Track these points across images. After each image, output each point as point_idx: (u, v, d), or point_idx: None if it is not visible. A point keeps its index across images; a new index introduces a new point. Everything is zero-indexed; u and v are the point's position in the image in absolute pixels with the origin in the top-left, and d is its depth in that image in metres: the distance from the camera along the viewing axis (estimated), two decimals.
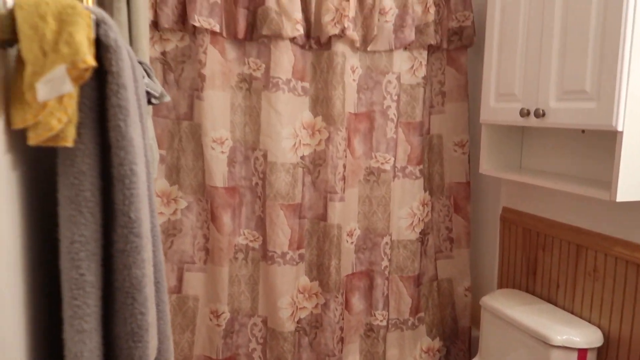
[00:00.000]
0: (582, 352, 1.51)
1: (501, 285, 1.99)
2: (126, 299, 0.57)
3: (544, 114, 1.52)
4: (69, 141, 0.54)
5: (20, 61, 0.52)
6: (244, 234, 1.79)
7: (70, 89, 0.50)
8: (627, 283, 1.48)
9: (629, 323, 1.48)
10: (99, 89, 0.57)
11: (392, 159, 1.90)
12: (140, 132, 0.70)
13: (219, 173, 1.73)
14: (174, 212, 1.73)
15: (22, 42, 0.50)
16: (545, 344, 1.52)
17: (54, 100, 0.52)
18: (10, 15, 0.51)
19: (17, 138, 0.56)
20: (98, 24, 0.54)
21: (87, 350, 0.54)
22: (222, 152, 1.74)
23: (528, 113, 1.57)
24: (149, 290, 0.60)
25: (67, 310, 0.54)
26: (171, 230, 1.73)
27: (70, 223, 0.55)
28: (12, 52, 0.56)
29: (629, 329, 1.48)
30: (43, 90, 0.49)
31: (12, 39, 0.52)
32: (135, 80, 0.75)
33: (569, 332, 1.52)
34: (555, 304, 1.73)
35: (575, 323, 1.58)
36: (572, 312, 1.67)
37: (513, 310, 1.67)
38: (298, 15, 1.70)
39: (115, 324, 0.57)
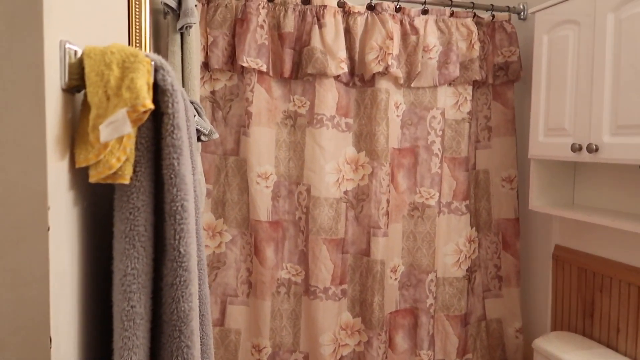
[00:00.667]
0: None
1: (555, 327, 1.89)
2: (173, 332, 0.58)
3: (597, 149, 1.47)
4: (126, 179, 0.57)
5: (86, 105, 0.56)
6: (287, 268, 1.79)
7: (129, 130, 0.53)
8: None
9: None
10: (155, 129, 0.60)
11: (437, 194, 1.88)
12: (190, 169, 0.73)
13: (263, 207, 1.76)
14: (219, 245, 1.76)
15: (89, 88, 0.54)
16: None
17: (114, 141, 0.55)
18: (80, 63, 0.55)
19: (79, 176, 0.60)
20: (157, 69, 0.58)
21: None
22: (267, 186, 1.77)
23: (580, 148, 1.52)
24: (195, 323, 0.61)
25: (118, 341, 0.55)
26: (215, 263, 1.76)
27: (124, 256, 0.57)
28: (79, 97, 0.60)
29: None
30: (105, 131, 0.52)
31: (80, 85, 0.56)
32: (188, 120, 0.78)
33: None
34: (616, 350, 1.62)
35: None
36: (634, 359, 1.56)
37: (569, 354, 1.58)
38: (342, 54, 1.74)
39: (163, 357, 0.59)
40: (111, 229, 0.59)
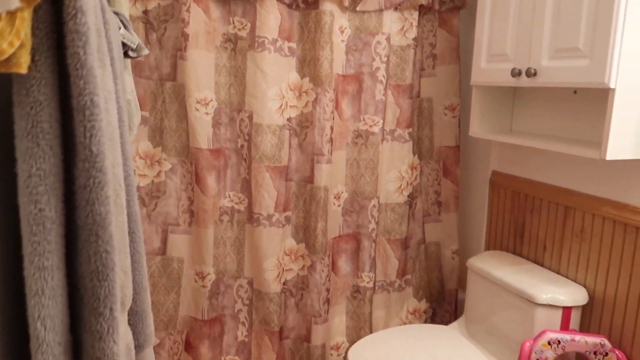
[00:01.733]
0: (566, 310, 1.52)
1: (488, 248, 2.00)
2: (89, 236, 0.54)
3: (535, 74, 1.49)
4: (22, 67, 0.50)
5: None
6: (229, 196, 1.76)
7: (17, 4, 0.47)
8: (614, 243, 1.48)
9: (613, 282, 1.49)
10: (56, 14, 0.53)
11: (381, 121, 1.87)
12: (110, 74, 0.67)
13: (203, 135, 1.69)
14: (158, 174, 1.70)
15: None
16: (531, 302, 1.53)
17: (4, 23, 0.48)
18: None
19: None
20: None
21: (49, 288, 0.52)
22: (207, 113, 1.70)
23: (519, 73, 1.54)
24: (114, 229, 0.58)
25: (27, 247, 0.51)
26: (155, 193, 1.70)
27: (27, 156, 0.52)
28: None
29: (613, 287, 1.49)
30: None
31: None
32: (106, 23, 0.71)
33: (554, 291, 1.53)
34: (542, 265, 1.74)
35: (561, 282, 1.59)
36: (558, 272, 1.68)
37: (499, 270, 1.68)
38: None
39: (79, 263, 0.55)
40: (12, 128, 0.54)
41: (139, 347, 0.89)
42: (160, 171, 1.70)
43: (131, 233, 0.83)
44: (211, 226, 1.72)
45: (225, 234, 1.76)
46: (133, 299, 0.87)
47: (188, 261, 1.74)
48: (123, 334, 0.78)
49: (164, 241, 1.71)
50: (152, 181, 1.70)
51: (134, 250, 0.84)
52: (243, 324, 1.82)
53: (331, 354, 1.93)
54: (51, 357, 0.53)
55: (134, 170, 1.70)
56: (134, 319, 0.87)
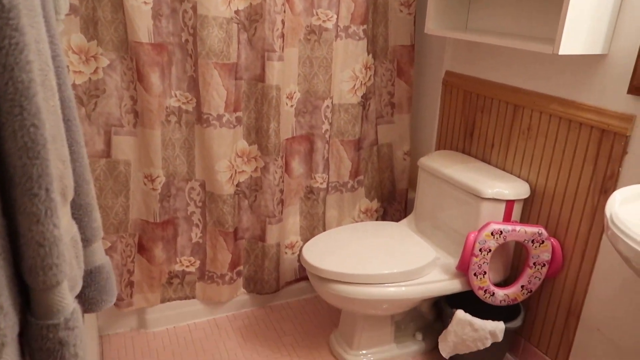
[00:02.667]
0: (509, 204, 1.60)
1: (439, 148, 2.03)
2: (12, 108, 0.48)
3: None
4: None
5: None
6: (176, 96, 1.67)
7: None
8: (558, 139, 1.53)
9: (554, 177, 1.56)
10: None
11: (335, 16, 1.78)
12: None
13: (143, 27, 1.55)
14: (95, 71, 1.57)
15: None
16: (477, 197, 1.59)
17: None
18: None
19: None
20: None
21: None
22: (145, 2, 1.54)
23: None
24: (41, 103, 0.51)
25: None
26: (94, 91, 1.58)
27: None
28: None
29: (553, 181, 1.57)
30: None
31: None
32: None
33: (499, 186, 1.59)
34: (489, 163, 1.80)
35: (506, 178, 1.66)
36: (504, 169, 1.74)
37: (449, 168, 1.72)
38: None
39: (4, 139, 0.49)
40: None
41: (86, 241, 0.86)
42: (97, 67, 1.57)
43: (66, 121, 0.76)
44: (158, 127, 1.63)
45: (173, 136, 1.68)
46: (75, 192, 0.82)
47: (135, 164, 1.67)
48: (67, 226, 0.74)
49: (108, 143, 1.62)
50: (90, 79, 1.57)
51: (72, 140, 0.78)
52: (197, 225, 1.81)
53: (286, 252, 1.98)
54: None
55: (68, 67, 1.55)
56: (78, 212, 0.83)
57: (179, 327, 1.89)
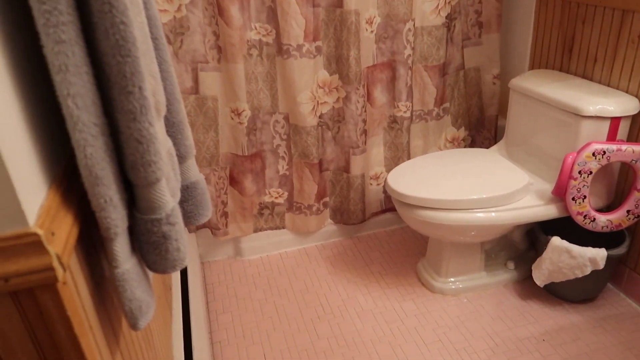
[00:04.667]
0: (614, 121, 1.46)
1: (532, 68, 1.88)
2: (102, 6, 0.50)
3: None
4: None
5: None
6: (256, 28, 1.68)
7: None
8: None
9: None
10: None
11: None
12: None
13: None
14: (178, 9, 1.61)
15: None
16: (577, 115, 1.47)
17: None
18: None
19: None
20: None
21: (72, 65, 0.50)
22: None
23: None
24: (130, 7, 0.53)
25: (39, 19, 0.48)
26: (179, 29, 1.63)
27: None
28: None
29: None
30: None
31: None
32: None
33: (603, 102, 1.45)
34: (591, 79, 1.64)
35: (611, 94, 1.50)
36: (608, 85, 1.58)
37: (544, 87, 1.59)
38: None
39: (98, 39, 0.53)
40: None
41: (181, 157, 0.91)
42: (180, 5, 1.61)
43: (154, 39, 0.79)
44: (240, 61, 1.66)
45: (255, 69, 1.71)
46: (167, 109, 0.87)
47: (222, 99, 1.72)
48: (162, 140, 0.79)
49: (195, 80, 1.68)
50: (174, 17, 1.62)
51: (160, 58, 0.81)
52: (283, 158, 1.86)
53: (370, 184, 1.99)
54: (89, 137, 0.53)
55: None
56: (172, 129, 0.88)
57: (271, 255, 2.00)
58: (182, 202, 0.95)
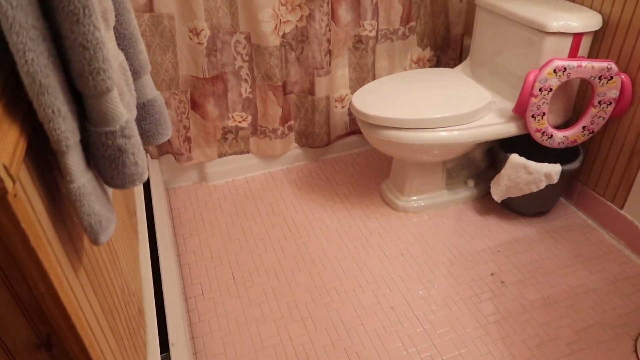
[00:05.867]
0: (577, 38, 1.47)
1: None
2: None
3: None
4: None
5: None
6: None
7: None
8: None
9: (632, 4, 1.39)
10: None
11: None
12: None
13: None
14: None
15: None
16: (541, 32, 1.46)
17: None
18: None
19: None
20: None
21: None
22: None
23: None
24: None
25: None
26: None
27: None
28: None
29: (630, 10, 1.40)
30: None
31: None
32: None
33: (567, 18, 1.45)
34: None
35: (576, 9, 1.50)
36: (573, 1, 1.57)
37: (510, 3, 1.57)
38: None
39: None
40: None
41: (135, 73, 0.87)
42: None
43: None
44: None
45: None
46: (117, 20, 0.81)
47: (179, 17, 1.63)
48: (113, 52, 0.74)
49: None
50: None
51: None
52: (245, 80, 1.80)
53: (335, 106, 1.97)
54: (28, 40, 0.50)
55: None
56: (123, 42, 0.83)
57: (237, 179, 2.00)
58: (140, 121, 0.92)
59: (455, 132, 1.53)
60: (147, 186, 1.69)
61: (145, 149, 1.81)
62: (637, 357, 1.26)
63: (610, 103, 1.48)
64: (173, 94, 1.73)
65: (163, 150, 1.86)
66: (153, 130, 0.93)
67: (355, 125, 2.06)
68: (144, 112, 0.91)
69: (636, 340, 1.30)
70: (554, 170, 1.54)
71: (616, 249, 1.59)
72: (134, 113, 0.80)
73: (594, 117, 1.52)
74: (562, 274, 1.51)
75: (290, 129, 1.96)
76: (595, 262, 1.55)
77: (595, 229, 1.67)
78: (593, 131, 1.55)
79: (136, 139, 0.65)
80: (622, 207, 1.59)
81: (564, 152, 1.68)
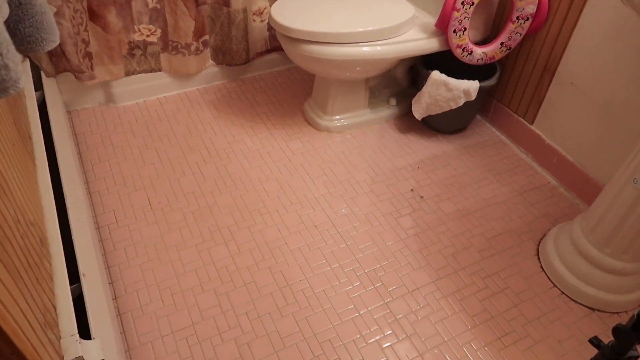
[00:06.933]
0: None
1: None
2: None
3: None
4: None
5: None
6: None
7: None
8: None
9: None
10: None
11: None
12: None
13: None
14: None
15: None
16: None
17: None
18: None
19: None
20: None
21: None
22: None
23: None
24: None
25: None
26: None
27: None
28: None
29: None
30: None
31: None
32: None
33: None
34: None
35: None
36: None
37: None
38: None
39: None
40: None
41: None
42: None
43: None
44: None
45: None
46: None
47: None
48: None
49: None
50: None
51: None
52: None
53: (254, 20, 1.84)
54: None
55: None
56: None
57: (149, 100, 1.85)
58: (17, 23, 0.78)
59: (378, 47, 1.49)
60: (43, 107, 1.51)
61: (34, 61, 1.60)
62: (539, 259, 1.37)
63: (528, 19, 1.49)
64: (66, 2, 1.52)
65: (60, 67, 1.65)
66: (35, 35, 0.80)
67: (276, 42, 1.95)
68: (21, 12, 0.77)
69: (538, 245, 1.42)
70: (472, 87, 1.56)
71: (525, 162, 1.69)
72: (5, 10, 0.66)
73: (511, 33, 1.53)
74: (476, 187, 1.58)
75: (205, 44, 1.81)
76: (506, 175, 1.63)
77: (507, 144, 1.75)
78: (510, 47, 1.57)
79: (4, 36, 0.54)
80: (532, 123, 1.66)
81: (482, 70, 1.70)
